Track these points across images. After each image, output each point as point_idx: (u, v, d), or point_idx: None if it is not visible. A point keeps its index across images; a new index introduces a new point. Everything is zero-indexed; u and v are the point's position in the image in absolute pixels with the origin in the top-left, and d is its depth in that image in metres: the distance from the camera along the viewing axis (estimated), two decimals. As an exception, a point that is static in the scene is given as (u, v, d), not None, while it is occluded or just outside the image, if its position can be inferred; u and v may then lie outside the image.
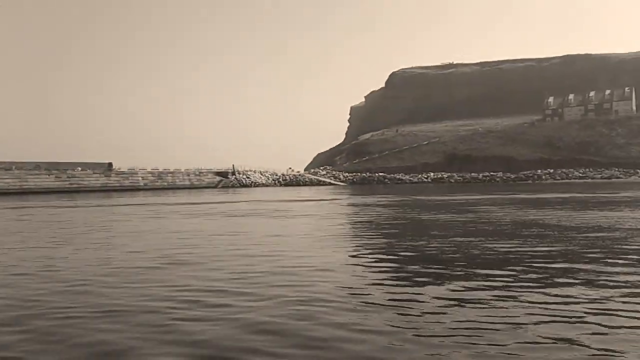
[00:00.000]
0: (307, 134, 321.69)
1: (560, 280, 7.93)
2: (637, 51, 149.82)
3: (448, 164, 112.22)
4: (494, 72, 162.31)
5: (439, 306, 6.54)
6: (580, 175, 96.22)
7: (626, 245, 11.63)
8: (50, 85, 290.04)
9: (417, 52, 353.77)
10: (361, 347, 5.11)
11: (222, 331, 5.71)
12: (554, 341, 5.15)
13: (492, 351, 4.90)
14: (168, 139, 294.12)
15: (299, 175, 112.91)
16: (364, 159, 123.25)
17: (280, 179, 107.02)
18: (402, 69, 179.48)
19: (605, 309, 6.23)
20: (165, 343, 5.37)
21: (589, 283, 7.64)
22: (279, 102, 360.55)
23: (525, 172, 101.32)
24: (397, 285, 7.82)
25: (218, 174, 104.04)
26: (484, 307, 6.43)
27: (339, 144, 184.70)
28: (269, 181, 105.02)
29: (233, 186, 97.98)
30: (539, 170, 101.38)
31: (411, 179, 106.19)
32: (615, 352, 4.84)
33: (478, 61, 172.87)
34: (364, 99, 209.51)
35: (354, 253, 11.38)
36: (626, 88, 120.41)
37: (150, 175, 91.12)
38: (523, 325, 5.65)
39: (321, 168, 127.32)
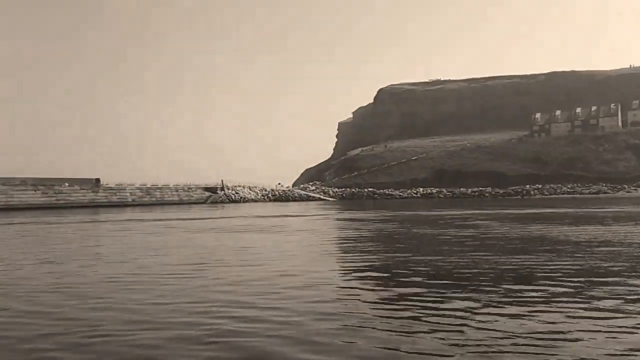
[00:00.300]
0: (295, 149, 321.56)
1: (600, 294, 7.79)
2: (621, 68, 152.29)
3: (437, 180, 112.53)
4: (481, 88, 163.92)
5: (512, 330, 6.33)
6: (569, 190, 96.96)
7: (646, 259, 11.55)
8: (36, 100, 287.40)
9: (404, 69, 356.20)
10: None
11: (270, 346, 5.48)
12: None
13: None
14: (156, 155, 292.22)
15: (288, 190, 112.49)
16: (353, 174, 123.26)
17: (270, 195, 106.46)
18: (390, 85, 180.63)
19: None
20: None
21: (627, 296, 7.50)
22: (266, 118, 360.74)
23: (514, 188, 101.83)
24: (433, 301, 7.60)
25: (207, 189, 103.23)
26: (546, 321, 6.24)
27: (327, 160, 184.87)
28: (258, 197, 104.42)
29: (222, 202, 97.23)
30: (528, 186, 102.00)
31: (400, 194, 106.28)
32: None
33: (465, 77, 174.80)
34: (351, 115, 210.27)
35: (376, 267, 11.15)
36: (612, 104, 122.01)
37: (138, 190, 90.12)
38: (591, 340, 5.48)
39: (310, 183, 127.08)
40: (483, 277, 9.54)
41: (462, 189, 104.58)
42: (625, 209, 37.05)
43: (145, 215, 43.55)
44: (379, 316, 6.76)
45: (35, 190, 73.91)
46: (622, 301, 7.28)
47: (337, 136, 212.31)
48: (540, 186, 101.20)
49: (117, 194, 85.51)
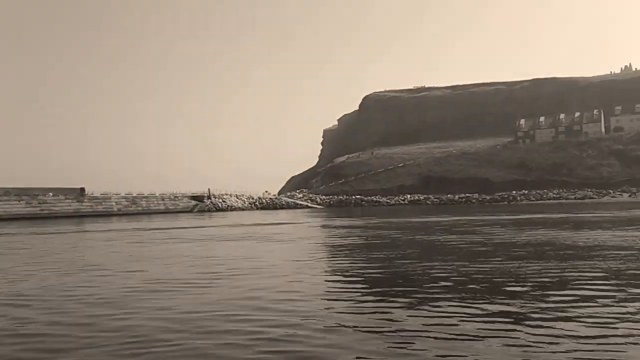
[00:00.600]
0: (279, 157, 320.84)
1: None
2: (602, 74, 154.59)
3: (424, 186, 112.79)
4: (465, 95, 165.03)
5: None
6: (555, 196, 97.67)
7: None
8: (19, 108, 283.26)
9: (388, 76, 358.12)
10: None
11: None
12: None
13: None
14: (141, 163, 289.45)
15: (276, 198, 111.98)
16: (340, 181, 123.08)
17: (257, 203, 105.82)
18: (375, 92, 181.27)
19: None
20: None
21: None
22: (251, 126, 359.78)
23: (500, 194, 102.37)
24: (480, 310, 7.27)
25: (193, 198, 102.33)
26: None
27: (313, 167, 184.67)
28: (246, 205, 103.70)
29: (209, 210, 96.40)
30: (514, 192, 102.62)
31: (388, 201, 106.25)
32: None
33: (449, 84, 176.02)
34: (337, 122, 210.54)
35: (394, 276, 10.80)
36: (595, 110, 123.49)
37: (124, 200, 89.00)
38: None
39: (297, 191, 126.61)
40: (524, 285, 9.24)
41: (449, 195, 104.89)
42: (618, 214, 37.21)
43: (135, 225, 42.79)
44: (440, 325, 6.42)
45: (19, 201, 72.62)
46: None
47: (322, 143, 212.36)
48: (526, 192, 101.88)
49: (103, 203, 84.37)
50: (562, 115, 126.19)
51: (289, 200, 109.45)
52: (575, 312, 7.16)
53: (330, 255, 15.83)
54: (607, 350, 5.49)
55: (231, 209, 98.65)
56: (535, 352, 5.53)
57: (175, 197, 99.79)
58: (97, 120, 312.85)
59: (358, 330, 6.52)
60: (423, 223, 33.19)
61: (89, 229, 38.86)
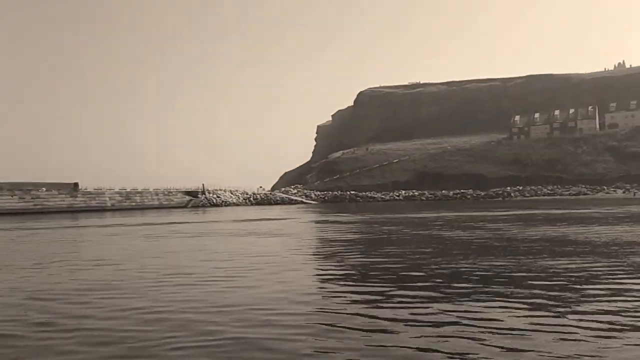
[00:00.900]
0: (273, 152, 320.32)
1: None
2: (596, 71, 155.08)
3: (418, 182, 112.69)
4: (460, 91, 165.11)
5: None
6: (549, 192, 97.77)
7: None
8: (11, 102, 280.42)
9: (383, 72, 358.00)
10: None
11: None
12: None
13: None
14: (136, 160, 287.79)
15: (270, 194, 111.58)
16: (335, 177, 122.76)
17: (251, 198, 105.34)
18: (370, 88, 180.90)
19: None
20: None
21: None
22: (245, 122, 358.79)
23: (495, 190, 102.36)
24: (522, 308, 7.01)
25: (187, 193, 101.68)
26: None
27: (307, 162, 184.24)
28: (240, 200, 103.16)
29: (203, 206, 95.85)
30: (509, 188, 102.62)
31: (383, 196, 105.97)
32: None
33: (444, 81, 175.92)
34: (330, 118, 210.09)
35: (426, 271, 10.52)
36: (589, 107, 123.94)
37: (117, 195, 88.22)
38: None
39: (292, 187, 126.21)
40: (556, 280, 9.00)
41: (443, 191, 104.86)
42: (617, 210, 37.19)
43: (131, 220, 42.31)
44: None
45: (12, 196, 71.73)
46: None
47: (316, 139, 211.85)
48: (520, 188, 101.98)
49: (96, 198, 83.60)
50: (556, 112, 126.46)
51: (284, 195, 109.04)
52: (615, 306, 7.05)
53: (351, 252, 15.53)
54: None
55: (225, 204, 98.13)
56: (594, 347, 5.33)
57: (169, 192, 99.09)
58: (92, 116, 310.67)
59: (414, 326, 6.26)
60: (425, 219, 32.96)
61: (86, 224, 38.33)
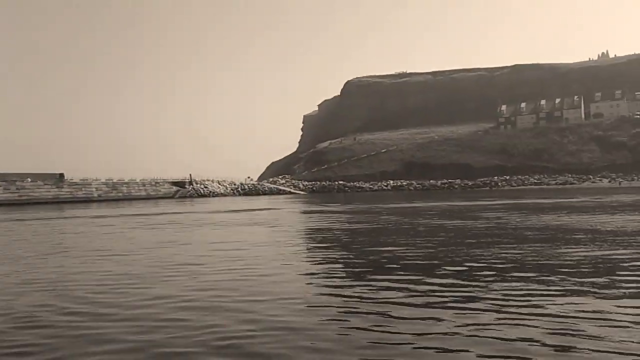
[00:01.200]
0: (259, 143, 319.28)
1: None
2: (583, 61, 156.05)
3: (406, 172, 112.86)
4: (446, 81, 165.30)
5: None
6: (536, 181, 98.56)
7: None
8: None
9: (370, 62, 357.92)
10: None
11: None
12: None
13: None
14: (122, 148, 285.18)
15: (258, 184, 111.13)
16: (323, 167, 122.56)
17: (239, 189, 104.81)
18: (357, 77, 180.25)
19: None
20: None
21: None
22: (232, 114, 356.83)
23: (482, 179, 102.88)
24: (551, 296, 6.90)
25: (175, 184, 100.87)
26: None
27: (293, 153, 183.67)
28: (228, 191, 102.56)
29: (191, 196, 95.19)
30: (496, 177, 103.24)
31: (371, 186, 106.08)
32: None
33: (431, 70, 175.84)
34: (317, 108, 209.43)
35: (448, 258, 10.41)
36: (575, 97, 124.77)
37: (104, 185, 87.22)
38: None
39: (280, 177, 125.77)
40: (577, 268, 8.91)
41: (431, 181, 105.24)
42: (608, 200, 37.47)
43: (121, 211, 41.81)
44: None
45: (-4, 186, 70.56)
46: None
47: (302, 129, 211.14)
48: (507, 177, 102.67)
49: (83, 189, 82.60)
50: (542, 102, 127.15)
51: (272, 186, 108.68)
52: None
53: (362, 245, 15.40)
54: None
55: (213, 195, 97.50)
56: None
57: (156, 182, 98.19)
58: (79, 108, 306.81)
59: (459, 315, 6.10)
60: (418, 209, 32.97)
61: (76, 214, 37.76)
